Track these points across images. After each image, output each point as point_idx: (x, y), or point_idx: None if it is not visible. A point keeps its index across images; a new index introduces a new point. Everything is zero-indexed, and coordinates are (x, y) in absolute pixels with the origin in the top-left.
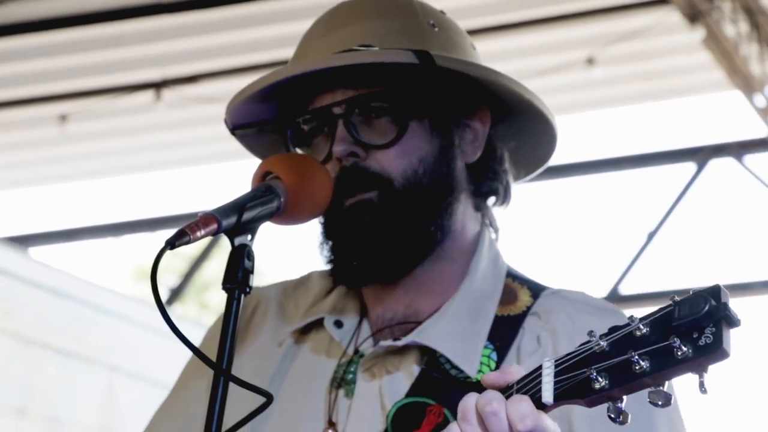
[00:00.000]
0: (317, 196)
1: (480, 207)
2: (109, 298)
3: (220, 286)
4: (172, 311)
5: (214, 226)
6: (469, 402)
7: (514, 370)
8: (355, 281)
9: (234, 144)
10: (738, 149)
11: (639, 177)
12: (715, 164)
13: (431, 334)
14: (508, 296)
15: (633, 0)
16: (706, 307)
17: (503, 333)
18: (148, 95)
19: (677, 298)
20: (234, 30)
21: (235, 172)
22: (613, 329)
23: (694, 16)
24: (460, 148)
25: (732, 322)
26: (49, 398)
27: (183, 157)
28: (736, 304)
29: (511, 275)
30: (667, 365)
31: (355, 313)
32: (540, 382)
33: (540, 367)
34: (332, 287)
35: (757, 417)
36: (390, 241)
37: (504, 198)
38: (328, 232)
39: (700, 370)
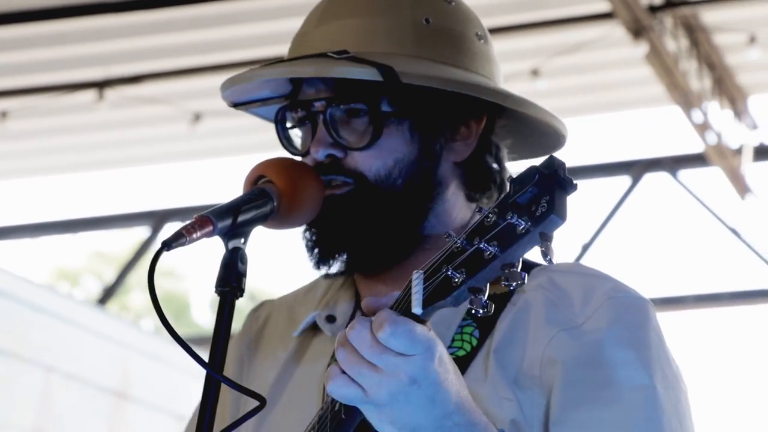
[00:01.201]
0: (309, 200)
1: (474, 198)
2: (47, 297)
3: (142, 290)
4: (107, 311)
5: (210, 228)
6: (340, 333)
7: (395, 294)
8: (333, 266)
9: (177, 145)
10: (673, 164)
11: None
12: (650, 178)
13: None
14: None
15: (578, 13)
16: (537, 177)
17: None
18: (90, 94)
19: (513, 176)
20: (178, 31)
21: (178, 173)
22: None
23: (637, 31)
24: (447, 148)
25: (566, 187)
26: None
27: (124, 157)
28: (668, 318)
29: None
30: (511, 243)
31: (348, 305)
32: (410, 296)
33: (410, 281)
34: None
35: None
36: (365, 236)
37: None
38: (309, 223)
39: (543, 239)
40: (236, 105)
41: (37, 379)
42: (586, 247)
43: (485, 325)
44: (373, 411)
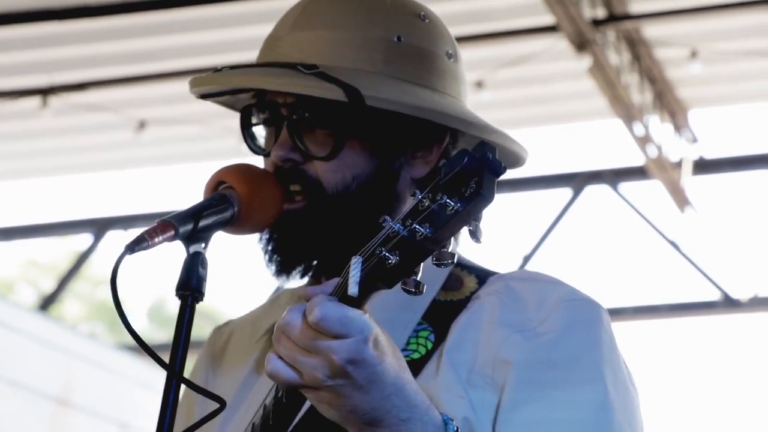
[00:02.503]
0: (269, 207)
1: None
2: None
3: (77, 299)
4: (52, 320)
5: (171, 233)
6: (276, 324)
7: (335, 280)
8: (293, 276)
9: (122, 153)
10: (613, 177)
11: (516, 200)
12: (591, 190)
13: None
14: (453, 283)
15: (523, 26)
16: (466, 160)
17: (443, 316)
18: (34, 101)
19: (444, 161)
20: (123, 39)
21: (123, 180)
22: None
23: (581, 44)
24: (407, 165)
25: (494, 169)
26: None
27: (68, 164)
28: None
29: (460, 264)
30: (442, 223)
31: None
32: (348, 279)
33: (349, 265)
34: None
35: None
36: (320, 248)
37: None
38: (269, 232)
39: (471, 219)
40: (204, 96)
41: None
42: (527, 258)
43: (440, 329)
44: (312, 394)
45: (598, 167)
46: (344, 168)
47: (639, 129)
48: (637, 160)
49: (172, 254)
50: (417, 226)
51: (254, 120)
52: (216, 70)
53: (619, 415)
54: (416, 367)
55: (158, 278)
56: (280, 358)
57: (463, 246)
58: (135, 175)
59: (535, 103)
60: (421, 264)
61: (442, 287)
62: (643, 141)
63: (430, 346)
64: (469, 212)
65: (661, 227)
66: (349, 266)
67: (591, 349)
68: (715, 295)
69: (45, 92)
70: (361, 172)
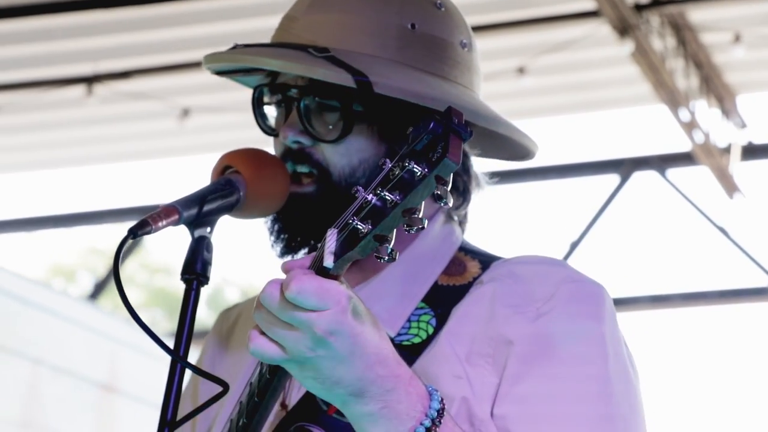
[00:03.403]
0: (275, 192)
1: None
2: (35, 290)
3: (136, 286)
4: (99, 308)
5: (176, 217)
6: (257, 298)
7: (310, 255)
8: (294, 254)
9: (166, 141)
10: (661, 163)
11: (563, 187)
12: (639, 177)
13: None
14: (456, 268)
15: (564, 11)
16: (432, 125)
17: (445, 301)
18: (79, 89)
19: (411, 128)
20: (167, 27)
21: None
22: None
23: (623, 29)
24: None
25: (459, 133)
26: None
27: (113, 152)
28: (655, 317)
29: (464, 249)
30: (411, 189)
31: None
32: (323, 251)
33: (324, 238)
34: None
35: (666, 424)
36: (323, 231)
37: (463, 198)
38: (275, 214)
39: (438, 183)
40: (219, 73)
41: (25, 371)
42: (574, 245)
43: (442, 314)
44: (295, 368)
45: (646, 153)
46: (351, 152)
47: (685, 114)
48: (684, 145)
49: (229, 244)
50: (387, 194)
51: (266, 100)
52: (231, 48)
53: (618, 393)
54: (417, 350)
55: (216, 266)
56: (263, 334)
57: (471, 235)
58: (179, 162)
59: (577, 89)
60: (394, 231)
61: (445, 272)
62: (690, 126)
63: (431, 330)
64: (435, 177)
65: (710, 213)
66: (325, 239)
67: (592, 329)
68: (764, 281)
69: (90, 80)
70: (368, 157)
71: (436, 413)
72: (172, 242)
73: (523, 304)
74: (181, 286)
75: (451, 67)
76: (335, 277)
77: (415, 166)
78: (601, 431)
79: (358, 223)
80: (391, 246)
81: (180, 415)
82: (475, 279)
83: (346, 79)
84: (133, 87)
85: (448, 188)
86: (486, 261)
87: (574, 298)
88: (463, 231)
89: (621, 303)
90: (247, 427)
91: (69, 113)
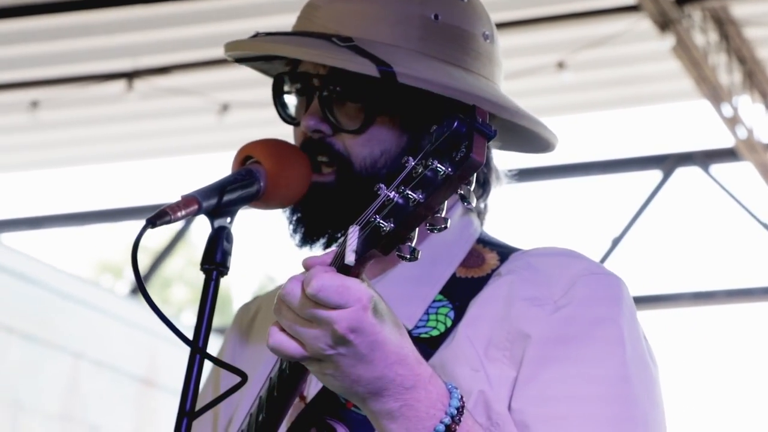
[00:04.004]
0: (295, 183)
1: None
2: (76, 285)
3: (183, 284)
4: (138, 303)
5: (195, 207)
6: (277, 294)
7: (331, 251)
8: (317, 246)
9: (205, 136)
10: (704, 158)
11: (605, 183)
12: (682, 172)
13: None
14: (474, 260)
15: (605, 6)
16: (456, 124)
17: (463, 293)
18: (119, 85)
19: (435, 127)
20: (207, 22)
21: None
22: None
23: (664, 24)
24: None
25: (484, 133)
26: (13, 383)
27: (154, 147)
28: (698, 314)
29: (483, 241)
30: (434, 188)
31: None
32: (345, 248)
33: (346, 235)
34: None
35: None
36: (348, 221)
37: (483, 189)
38: (294, 204)
39: (462, 182)
40: (239, 60)
41: (66, 365)
42: (616, 241)
43: (460, 307)
44: (315, 366)
45: (689, 149)
46: (373, 143)
47: (728, 110)
48: (727, 141)
49: (279, 237)
50: (410, 192)
51: (286, 88)
52: (253, 36)
53: (637, 389)
54: (435, 343)
55: (265, 258)
56: (282, 330)
57: (490, 225)
58: (218, 158)
59: (618, 84)
60: (416, 230)
61: (463, 264)
62: (732, 122)
63: (449, 323)
64: (459, 176)
65: (753, 209)
66: (347, 235)
67: (610, 323)
68: None
69: (130, 76)
70: (389, 147)
71: (456, 411)
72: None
73: (540, 297)
74: (227, 282)
75: (473, 59)
76: (356, 274)
77: (438, 165)
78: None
79: (381, 221)
80: (413, 244)
81: (201, 407)
82: (493, 271)
83: (369, 69)
84: (173, 82)
85: (472, 188)
86: (504, 253)
87: (592, 291)
88: (482, 223)
89: (663, 300)
90: (267, 422)
91: (109, 109)
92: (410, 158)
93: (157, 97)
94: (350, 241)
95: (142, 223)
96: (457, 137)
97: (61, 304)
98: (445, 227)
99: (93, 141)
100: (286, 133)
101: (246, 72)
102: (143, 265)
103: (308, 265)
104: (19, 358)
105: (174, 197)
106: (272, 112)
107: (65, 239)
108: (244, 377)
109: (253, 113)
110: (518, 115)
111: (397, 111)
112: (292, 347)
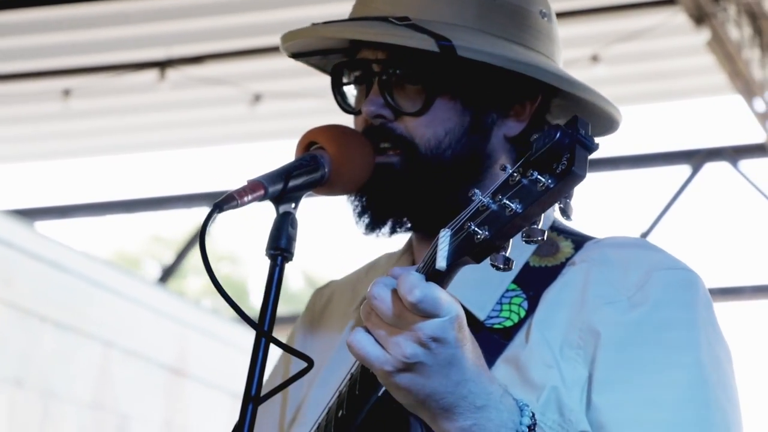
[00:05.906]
0: (360, 167)
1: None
2: (108, 273)
3: (199, 274)
4: (166, 290)
5: (261, 192)
6: (366, 297)
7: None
8: (384, 231)
9: (237, 127)
10: (734, 154)
11: (634, 177)
12: (710, 168)
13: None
14: (548, 248)
15: None
16: (558, 135)
17: (537, 282)
18: (152, 74)
19: (535, 136)
20: (240, 12)
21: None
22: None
23: (700, 17)
24: (499, 123)
25: (587, 146)
26: (45, 370)
27: (186, 137)
28: (726, 309)
29: (557, 229)
30: (532, 200)
31: None
32: (436, 252)
33: (437, 239)
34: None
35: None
36: (415, 203)
37: None
38: (359, 189)
39: (562, 195)
40: (295, 56)
41: (97, 353)
42: (644, 236)
43: (534, 297)
44: (392, 377)
45: (718, 144)
46: (436, 123)
47: (759, 105)
48: (758, 137)
49: (322, 224)
50: (507, 202)
51: (345, 79)
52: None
53: (715, 392)
54: (508, 334)
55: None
56: (367, 331)
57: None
58: (250, 149)
59: (651, 78)
60: (511, 240)
61: (536, 252)
62: (764, 117)
63: (522, 314)
64: (560, 189)
65: None
66: (438, 239)
67: (685, 325)
68: None
69: (163, 65)
70: (453, 126)
71: (527, 429)
72: (236, 230)
73: (614, 293)
74: (245, 274)
75: (532, 36)
76: (446, 278)
77: (538, 176)
78: None
79: (476, 228)
80: (507, 253)
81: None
82: (567, 260)
83: (429, 44)
84: (206, 72)
85: (571, 201)
86: (579, 241)
87: (667, 291)
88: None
89: None
90: (347, 419)
91: (141, 98)
92: (507, 166)
93: (189, 87)
94: (441, 245)
95: (163, 214)
96: (559, 148)
97: (92, 291)
98: (542, 240)
99: (124, 130)
100: (319, 123)
101: (279, 62)
102: (169, 256)
103: (395, 274)
104: (52, 345)
105: (203, 188)
106: (304, 102)
107: (85, 228)
108: (310, 362)
109: (285, 104)
110: (581, 88)
111: (458, 90)
112: (375, 351)
